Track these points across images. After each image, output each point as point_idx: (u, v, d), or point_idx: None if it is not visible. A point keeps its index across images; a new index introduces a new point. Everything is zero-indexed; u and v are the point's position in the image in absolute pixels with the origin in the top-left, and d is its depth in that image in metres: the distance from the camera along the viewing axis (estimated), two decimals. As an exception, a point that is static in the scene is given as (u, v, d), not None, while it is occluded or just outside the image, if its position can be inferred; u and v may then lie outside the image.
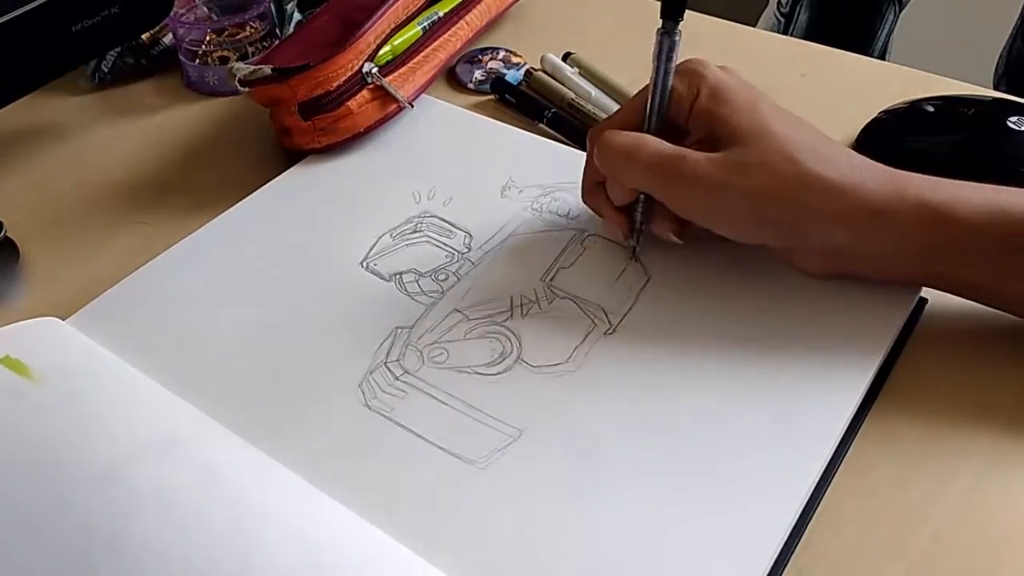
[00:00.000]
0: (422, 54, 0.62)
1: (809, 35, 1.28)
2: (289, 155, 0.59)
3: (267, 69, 0.56)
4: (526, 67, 0.65)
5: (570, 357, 0.46)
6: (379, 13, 0.59)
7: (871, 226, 0.44)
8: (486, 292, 0.50)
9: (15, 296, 0.52)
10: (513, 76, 0.65)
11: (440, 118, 0.61)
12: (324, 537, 0.38)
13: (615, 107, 0.61)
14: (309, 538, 0.38)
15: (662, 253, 0.50)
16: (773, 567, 0.38)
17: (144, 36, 0.67)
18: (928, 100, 0.58)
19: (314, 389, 0.45)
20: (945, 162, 0.56)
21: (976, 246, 0.44)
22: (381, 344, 0.47)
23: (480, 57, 0.67)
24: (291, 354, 0.47)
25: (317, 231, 0.54)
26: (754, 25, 1.24)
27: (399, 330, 0.48)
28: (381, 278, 0.51)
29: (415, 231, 0.53)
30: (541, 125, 0.62)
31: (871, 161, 0.45)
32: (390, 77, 0.59)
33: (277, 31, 0.68)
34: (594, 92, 0.63)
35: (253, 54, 0.66)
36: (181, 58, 0.66)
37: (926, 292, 0.48)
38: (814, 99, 0.62)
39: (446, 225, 0.54)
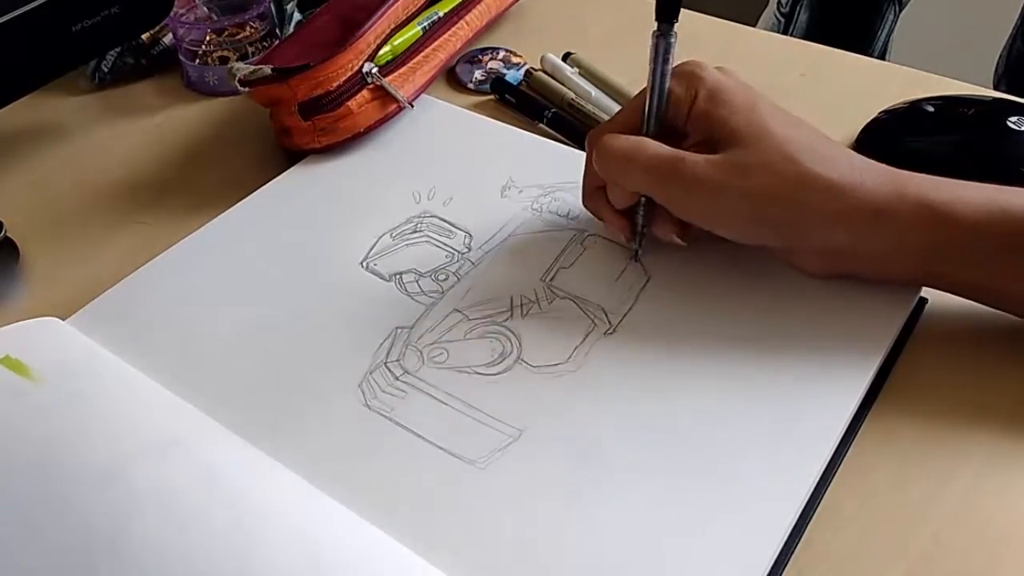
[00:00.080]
0: (422, 54, 0.62)
1: (809, 35, 1.28)
2: (289, 155, 0.59)
3: (267, 69, 0.56)
4: (526, 67, 0.65)
5: (570, 357, 0.46)
6: (379, 13, 0.59)
7: (871, 226, 0.44)
8: (486, 292, 0.50)
9: (15, 296, 0.52)
10: (513, 76, 0.65)
11: (440, 118, 0.61)
12: (324, 537, 0.38)
13: (615, 107, 0.61)
14: (309, 538, 0.38)
15: (662, 254, 0.50)
16: (773, 567, 0.38)
17: (144, 36, 0.67)
18: (928, 100, 0.58)
19: (314, 389, 0.45)
20: (945, 162, 0.56)
21: (976, 246, 0.44)
22: (381, 344, 0.47)
23: (480, 57, 0.67)
24: (291, 354, 0.47)
25: (317, 231, 0.54)
26: (754, 25, 1.24)
27: (399, 330, 0.48)
28: (381, 278, 0.51)
29: (415, 231, 0.53)
30: (541, 125, 0.62)
31: (871, 160, 0.45)
32: (390, 77, 0.59)
33: (277, 31, 0.68)
34: (594, 92, 0.63)
35: (253, 54, 0.66)
36: (181, 58, 0.66)
37: (926, 292, 0.48)
38: (814, 99, 0.63)
39: (446, 225, 0.54)
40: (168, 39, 0.68)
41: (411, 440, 0.43)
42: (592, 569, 0.38)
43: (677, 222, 0.48)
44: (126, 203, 0.58)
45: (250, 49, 0.66)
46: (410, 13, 0.62)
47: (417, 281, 0.50)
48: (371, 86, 0.58)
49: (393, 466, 0.42)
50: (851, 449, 0.43)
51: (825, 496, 0.41)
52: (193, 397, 0.44)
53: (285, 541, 0.38)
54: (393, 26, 0.60)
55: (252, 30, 0.66)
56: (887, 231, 0.44)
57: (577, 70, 0.65)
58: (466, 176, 0.57)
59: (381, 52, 0.59)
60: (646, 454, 0.42)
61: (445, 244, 0.53)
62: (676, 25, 0.46)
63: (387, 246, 0.53)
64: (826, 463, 0.41)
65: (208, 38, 0.65)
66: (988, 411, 0.44)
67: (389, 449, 0.43)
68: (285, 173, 0.58)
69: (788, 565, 0.39)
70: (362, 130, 0.58)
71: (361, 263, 0.52)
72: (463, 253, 0.52)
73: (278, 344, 0.47)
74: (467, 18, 0.65)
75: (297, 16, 0.70)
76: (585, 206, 0.52)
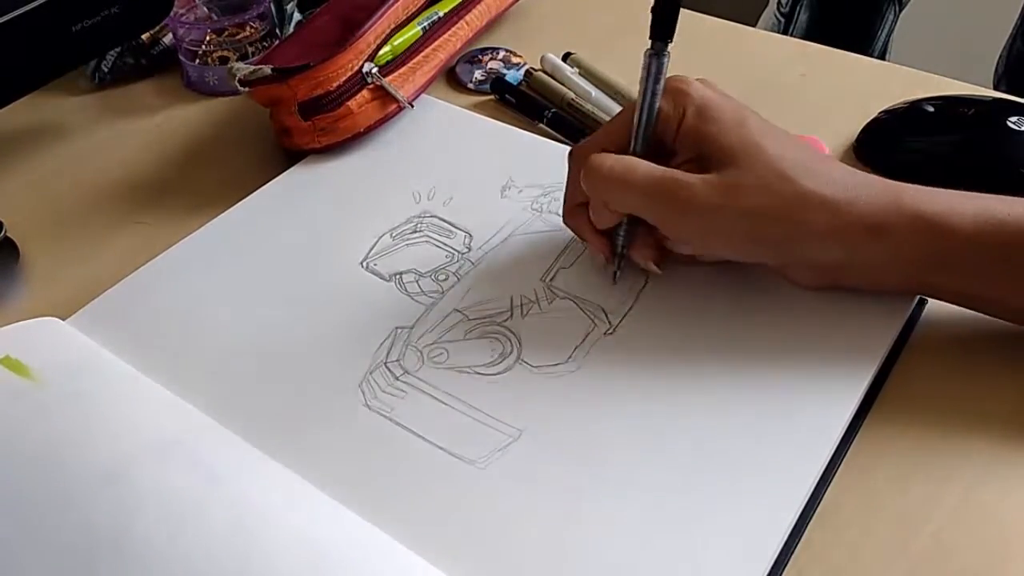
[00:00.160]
0: (422, 54, 0.62)
1: (809, 35, 1.28)
2: (289, 155, 0.59)
3: (267, 69, 0.56)
4: (526, 67, 0.65)
5: (570, 357, 0.46)
6: (379, 13, 0.59)
7: (867, 240, 0.44)
8: (486, 292, 0.50)
9: (15, 296, 0.52)
10: (513, 76, 0.65)
11: (440, 118, 0.61)
12: (324, 537, 0.38)
13: (615, 107, 0.61)
14: (309, 538, 0.38)
15: (662, 253, 0.50)
16: (773, 567, 0.38)
17: (144, 36, 0.67)
18: (928, 100, 0.58)
19: (314, 389, 0.45)
20: (945, 162, 0.56)
21: (972, 257, 0.43)
22: (381, 344, 0.47)
23: (480, 57, 0.67)
24: (291, 354, 0.47)
25: (317, 231, 0.54)
26: (754, 25, 1.24)
27: (399, 330, 0.48)
28: (381, 278, 0.51)
29: (415, 231, 0.53)
30: (541, 125, 0.62)
31: (863, 172, 0.45)
32: (390, 77, 0.59)
33: (277, 31, 0.68)
34: (594, 92, 0.63)
35: (253, 54, 0.66)
36: (181, 58, 0.66)
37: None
38: (814, 99, 0.63)
39: (446, 225, 0.54)
40: (168, 39, 0.68)
41: (411, 440, 0.43)
42: (592, 569, 0.38)
43: (656, 247, 0.47)
44: (126, 203, 0.58)
45: (250, 49, 0.66)
46: (410, 13, 0.62)
47: (417, 281, 0.50)
48: (371, 86, 0.58)
49: (393, 466, 0.42)
50: (851, 449, 0.43)
51: (825, 496, 0.41)
52: (193, 397, 0.44)
53: (285, 541, 0.38)
54: (393, 26, 0.60)
55: (252, 30, 0.66)
56: (883, 245, 0.44)
57: (577, 70, 0.65)
58: (466, 176, 0.57)
59: (381, 52, 0.59)
60: (646, 454, 0.42)
61: (445, 244, 0.53)
62: (670, 45, 0.45)
63: (387, 246, 0.53)
64: (825, 463, 0.41)
65: (208, 38, 0.65)
66: (985, 418, 0.44)
67: (389, 449, 0.43)
68: (285, 173, 0.58)
69: (788, 565, 0.39)
70: (362, 130, 0.58)
71: (361, 263, 0.52)
72: (463, 253, 0.52)
73: (278, 344, 0.47)
74: (467, 18, 0.65)
75: (297, 16, 0.70)
76: (565, 223, 0.50)
